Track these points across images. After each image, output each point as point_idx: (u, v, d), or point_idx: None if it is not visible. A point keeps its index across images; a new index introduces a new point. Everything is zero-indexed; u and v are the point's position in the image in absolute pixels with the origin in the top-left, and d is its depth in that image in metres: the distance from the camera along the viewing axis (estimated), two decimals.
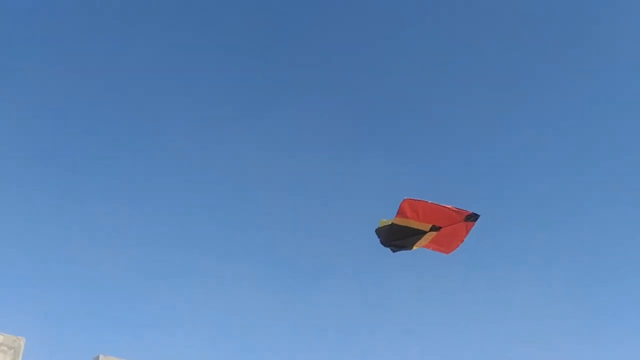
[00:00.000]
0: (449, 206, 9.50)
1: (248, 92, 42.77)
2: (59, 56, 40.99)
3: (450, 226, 9.52)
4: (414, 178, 38.48)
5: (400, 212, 9.59)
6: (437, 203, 9.53)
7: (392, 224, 9.72)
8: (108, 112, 41.77)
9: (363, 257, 32.18)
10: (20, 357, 12.21)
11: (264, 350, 32.87)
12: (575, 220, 39.28)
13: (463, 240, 9.75)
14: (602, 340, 33.89)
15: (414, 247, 9.94)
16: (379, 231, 10.02)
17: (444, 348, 32.27)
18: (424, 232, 9.66)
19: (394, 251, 10.13)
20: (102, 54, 41.30)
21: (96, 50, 41.42)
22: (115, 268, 35.79)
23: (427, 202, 9.54)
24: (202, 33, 42.41)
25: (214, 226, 39.81)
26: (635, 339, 32.70)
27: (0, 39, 39.26)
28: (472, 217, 9.41)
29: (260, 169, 40.63)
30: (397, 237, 9.87)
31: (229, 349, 32.13)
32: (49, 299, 32.78)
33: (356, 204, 39.10)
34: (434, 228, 9.59)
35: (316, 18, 42.30)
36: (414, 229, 9.67)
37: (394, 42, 42.33)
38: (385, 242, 10.04)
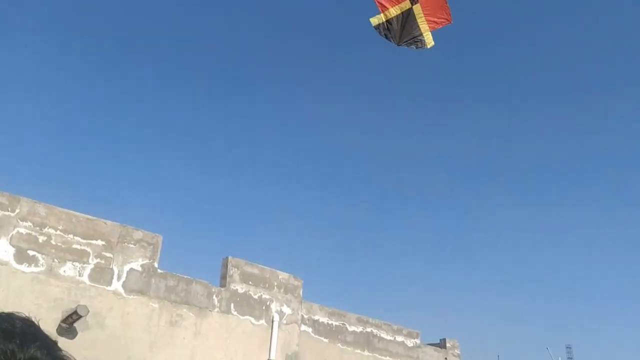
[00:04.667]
0: None
1: None
2: None
3: None
4: None
5: (380, 6, 10.22)
6: None
7: (385, 20, 10.33)
8: None
9: None
10: (159, 253, 12.69)
11: None
12: None
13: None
14: None
15: (423, 34, 10.42)
16: (379, 29, 10.45)
17: None
18: (410, 9, 10.19)
19: (403, 44, 10.55)
20: None
21: None
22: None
23: None
24: None
25: None
26: None
27: None
28: None
29: None
30: (398, 30, 10.37)
31: None
32: (186, 201, 34.85)
33: None
34: (413, 1, 10.14)
35: None
36: (402, 13, 10.23)
37: None
38: (392, 38, 10.49)
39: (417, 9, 10.18)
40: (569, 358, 45.11)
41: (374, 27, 10.51)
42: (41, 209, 11.28)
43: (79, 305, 10.86)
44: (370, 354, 17.06)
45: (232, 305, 13.75)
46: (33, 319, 1.36)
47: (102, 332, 11.42)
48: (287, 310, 14.88)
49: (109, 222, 12.12)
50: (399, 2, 10.23)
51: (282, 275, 15.04)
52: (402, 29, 10.31)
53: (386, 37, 10.55)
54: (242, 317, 13.85)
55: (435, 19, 10.43)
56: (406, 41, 10.49)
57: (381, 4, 10.32)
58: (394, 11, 10.26)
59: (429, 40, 10.56)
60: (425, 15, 10.28)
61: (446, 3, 10.31)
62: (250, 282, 14.29)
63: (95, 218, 11.96)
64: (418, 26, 10.35)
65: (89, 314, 10.94)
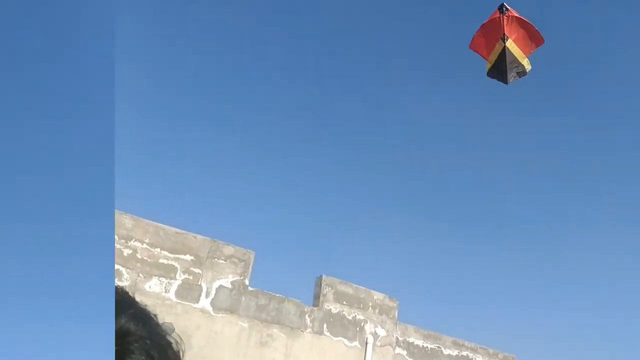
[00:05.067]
0: (488, 20, 10.57)
1: None
2: None
3: (507, 27, 10.44)
4: None
5: (483, 53, 10.85)
6: (483, 23, 10.67)
7: (491, 66, 10.92)
8: None
9: None
10: (250, 269, 12.01)
11: None
12: None
13: (528, 23, 10.64)
14: None
15: (522, 62, 10.95)
16: (492, 75, 11.04)
17: None
18: (504, 47, 10.67)
19: (511, 81, 11.01)
20: None
21: None
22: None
23: (479, 30, 10.70)
24: None
25: None
26: None
27: None
28: (502, 8, 10.30)
29: None
30: (504, 69, 10.84)
31: None
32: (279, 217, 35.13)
33: None
34: (504, 38, 10.57)
35: None
36: (500, 54, 10.76)
37: None
38: (501, 79, 11.03)
39: (510, 44, 10.79)
40: None
41: (487, 74, 11.30)
42: (127, 220, 10.79)
43: (164, 323, 10.26)
44: None
45: (325, 325, 12.89)
46: (127, 289, 1.18)
47: (188, 352, 10.67)
48: (381, 331, 13.89)
49: (198, 236, 11.52)
50: (494, 46, 10.90)
51: (377, 296, 14.06)
52: (506, 68, 10.96)
53: (498, 80, 11.20)
54: (335, 338, 12.97)
55: (529, 46, 11.02)
56: (512, 76, 11.11)
57: (482, 54, 11.04)
58: (493, 56, 10.97)
59: (527, 65, 11.14)
60: (520, 46, 10.92)
61: (534, 27, 10.86)
62: (344, 302, 13.39)
63: (184, 232, 11.38)
64: (516, 58, 10.99)
65: (175, 332, 10.33)
